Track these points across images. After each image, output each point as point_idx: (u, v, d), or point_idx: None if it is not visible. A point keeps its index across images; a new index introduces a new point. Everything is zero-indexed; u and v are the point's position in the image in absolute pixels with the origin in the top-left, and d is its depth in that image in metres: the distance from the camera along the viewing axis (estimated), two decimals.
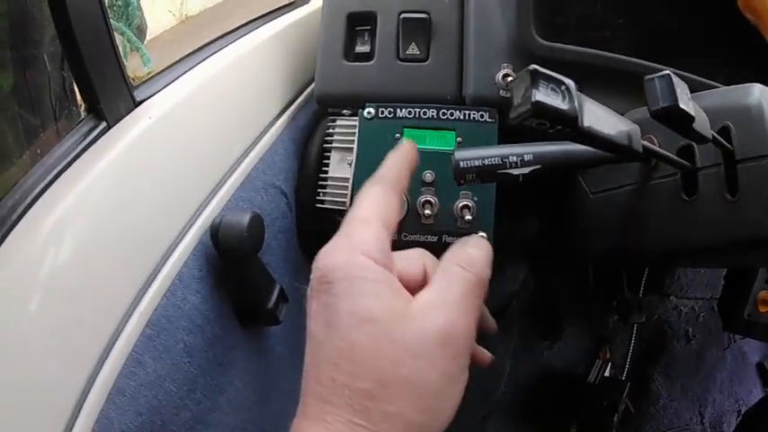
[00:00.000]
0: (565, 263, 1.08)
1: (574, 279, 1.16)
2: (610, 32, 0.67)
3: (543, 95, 0.41)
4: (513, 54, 0.69)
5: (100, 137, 0.53)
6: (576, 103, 0.42)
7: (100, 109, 0.53)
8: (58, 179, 0.49)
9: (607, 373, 1.22)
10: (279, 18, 0.86)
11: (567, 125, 0.42)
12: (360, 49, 0.76)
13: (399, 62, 0.74)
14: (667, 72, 0.41)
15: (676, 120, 0.42)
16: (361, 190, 0.44)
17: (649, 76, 0.42)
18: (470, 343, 0.38)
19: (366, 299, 0.36)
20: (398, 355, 0.35)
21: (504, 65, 0.70)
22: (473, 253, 0.42)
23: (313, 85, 0.77)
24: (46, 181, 0.48)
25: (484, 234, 0.51)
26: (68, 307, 0.47)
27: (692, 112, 0.42)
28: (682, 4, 0.66)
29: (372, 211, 0.41)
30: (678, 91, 0.41)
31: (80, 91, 0.52)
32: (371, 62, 0.74)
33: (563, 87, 0.42)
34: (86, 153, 0.51)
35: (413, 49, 0.74)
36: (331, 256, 0.38)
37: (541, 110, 0.41)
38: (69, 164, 0.50)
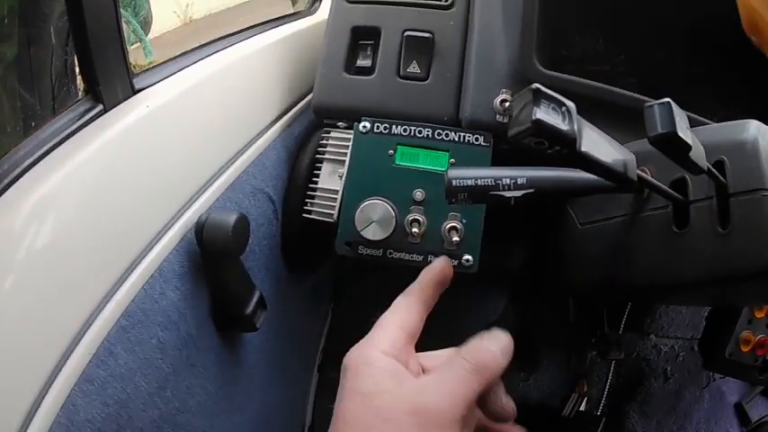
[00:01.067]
0: (547, 295, 1.08)
1: (554, 312, 1.16)
2: (610, 67, 0.68)
3: (544, 114, 0.41)
4: (512, 80, 0.70)
5: (95, 119, 0.52)
6: (576, 126, 0.42)
7: (98, 91, 0.52)
8: (48, 156, 0.48)
9: (582, 408, 1.21)
10: (283, 26, 0.87)
11: (565, 146, 0.42)
12: (361, 62, 0.76)
13: (399, 79, 0.74)
14: (667, 100, 0.42)
15: (673, 147, 0.42)
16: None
17: (649, 103, 0.42)
18: (449, 420, 0.43)
19: (364, 378, 0.45)
20: (372, 420, 0.43)
21: (503, 90, 0.70)
22: (483, 345, 0.47)
23: (311, 95, 0.77)
24: (35, 156, 0.47)
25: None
26: (43, 288, 0.46)
27: (690, 142, 0.42)
28: (683, 45, 0.67)
29: (393, 318, 0.50)
30: (677, 119, 0.41)
31: (81, 71, 0.52)
32: (371, 77, 0.75)
33: (564, 108, 0.43)
34: (79, 133, 0.51)
35: (414, 68, 0.74)
36: (352, 351, 0.48)
37: (541, 128, 0.41)
38: (61, 142, 0.49)
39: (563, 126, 0.42)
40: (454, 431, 0.42)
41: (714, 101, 0.64)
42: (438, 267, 0.55)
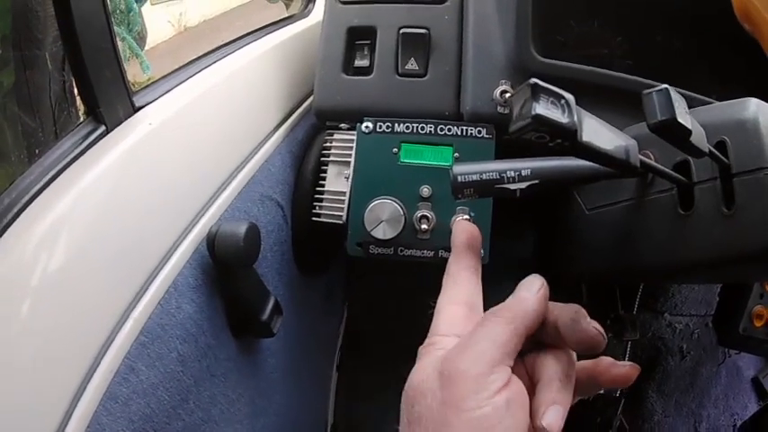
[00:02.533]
0: (559, 280, 1.09)
1: (567, 297, 1.16)
2: (607, 50, 0.68)
3: (543, 108, 0.41)
4: (511, 71, 0.70)
5: (98, 140, 0.53)
6: (576, 118, 0.42)
7: (99, 112, 0.53)
8: (55, 181, 0.48)
9: (601, 390, 1.21)
10: (279, 30, 0.87)
11: (566, 139, 0.42)
12: (359, 63, 0.76)
13: (398, 77, 0.74)
14: (665, 86, 0.42)
15: (674, 133, 0.42)
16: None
17: (647, 90, 0.42)
18: (473, 376, 0.40)
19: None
20: (409, 398, 0.42)
21: (503, 81, 0.70)
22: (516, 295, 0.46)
23: (312, 98, 0.78)
24: (42, 182, 0.47)
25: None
26: (61, 311, 0.47)
27: (690, 126, 0.42)
28: (678, 24, 0.67)
29: (443, 299, 0.48)
30: (676, 105, 0.41)
31: (80, 93, 0.52)
32: (370, 76, 0.75)
33: (563, 101, 0.42)
34: (84, 156, 0.51)
35: (412, 65, 0.74)
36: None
37: (541, 123, 0.41)
38: (67, 166, 0.49)
39: (563, 119, 0.42)
40: (480, 385, 0.40)
41: (712, 79, 0.64)
42: (460, 229, 0.51)
